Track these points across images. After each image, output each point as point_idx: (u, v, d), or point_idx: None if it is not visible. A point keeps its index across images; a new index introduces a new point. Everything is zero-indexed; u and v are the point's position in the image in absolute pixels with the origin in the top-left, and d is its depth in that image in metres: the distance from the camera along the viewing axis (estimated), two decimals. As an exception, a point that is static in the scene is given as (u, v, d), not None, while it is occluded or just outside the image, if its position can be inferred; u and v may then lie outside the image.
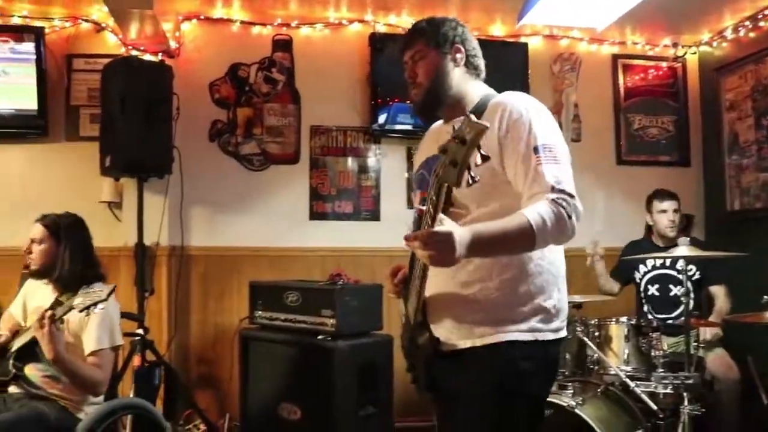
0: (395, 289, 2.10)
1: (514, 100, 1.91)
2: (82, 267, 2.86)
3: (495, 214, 1.79)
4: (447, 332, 1.93)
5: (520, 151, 1.83)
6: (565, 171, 1.84)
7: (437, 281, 1.93)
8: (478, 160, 1.54)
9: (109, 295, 2.54)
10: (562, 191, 1.79)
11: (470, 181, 1.53)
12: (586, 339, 3.40)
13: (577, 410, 2.98)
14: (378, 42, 4.50)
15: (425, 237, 1.61)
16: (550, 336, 1.91)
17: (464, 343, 1.91)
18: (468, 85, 2.02)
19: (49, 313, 2.55)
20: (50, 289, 2.88)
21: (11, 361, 2.73)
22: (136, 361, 3.87)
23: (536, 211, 1.74)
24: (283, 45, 4.59)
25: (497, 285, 1.89)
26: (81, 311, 2.53)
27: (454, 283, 1.92)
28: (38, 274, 2.87)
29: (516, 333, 1.88)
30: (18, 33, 4.29)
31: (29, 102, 4.30)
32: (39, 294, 2.92)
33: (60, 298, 2.79)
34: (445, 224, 1.63)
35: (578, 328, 3.42)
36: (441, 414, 2.08)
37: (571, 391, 3.15)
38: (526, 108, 1.88)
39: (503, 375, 1.86)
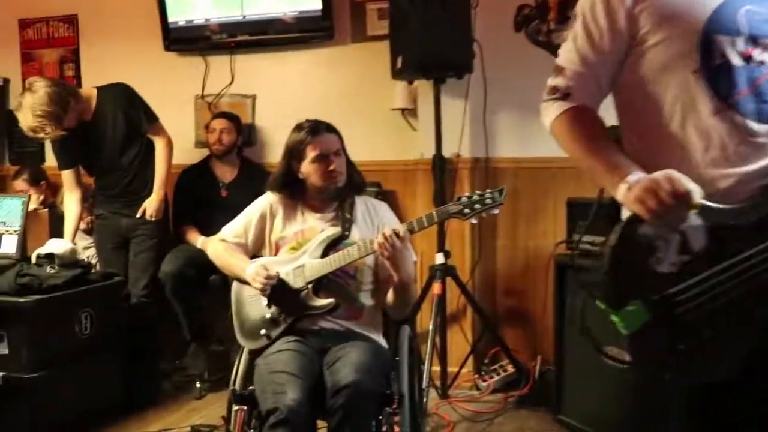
0: None
1: None
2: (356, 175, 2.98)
3: None
4: None
5: None
6: None
7: None
8: None
9: (503, 196, 2.62)
10: None
11: None
12: None
13: None
14: None
15: None
16: None
17: None
18: None
19: (403, 229, 2.64)
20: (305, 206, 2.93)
21: (309, 294, 2.79)
22: (437, 288, 3.99)
23: None
24: None
25: None
26: (467, 218, 2.63)
27: None
28: (338, 188, 2.93)
29: None
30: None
31: (313, 3, 4.52)
32: (297, 213, 2.94)
33: (346, 214, 2.89)
34: None
35: None
36: None
37: None
38: None
39: None
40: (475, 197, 2.65)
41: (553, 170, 4.32)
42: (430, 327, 3.91)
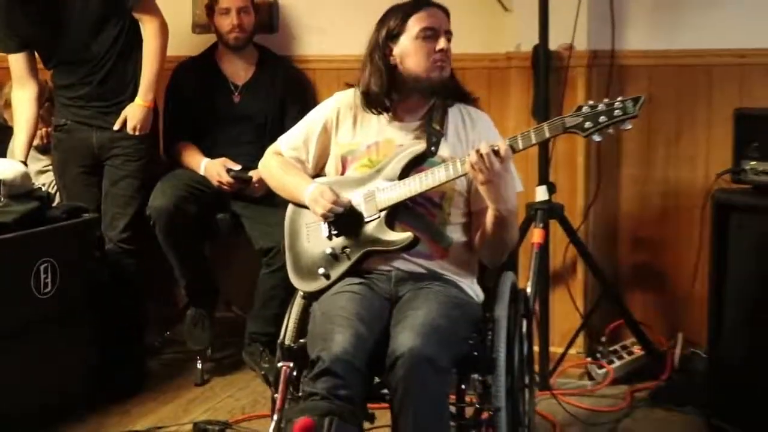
0: None
1: None
2: None
3: None
4: None
5: None
6: None
7: None
8: None
9: (638, 107, 2.62)
10: None
11: None
12: None
13: None
14: None
15: None
16: None
17: None
18: None
19: (504, 145, 2.63)
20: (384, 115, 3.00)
21: (382, 224, 2.82)
22: (537, 236, 3.89)
23: None
24: None
25: None
26: (589, 134, 2.62)
27: None
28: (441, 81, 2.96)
29: None
30: None
31: None
32: (372, 122, 2.99)
33: (434, 126, 2.90)
34: None
35: None
36: None
37: None
38: None
39: None
40: (601, 107, 2.65)
41: (708, 68, 4.16)
42: (527, 289, 3.71)
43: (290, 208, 3.03)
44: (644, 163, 4.28)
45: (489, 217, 2.77)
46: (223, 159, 4.05)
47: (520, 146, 2.67)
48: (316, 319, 2.70)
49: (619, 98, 2.65)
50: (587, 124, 2.63)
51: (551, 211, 3.92)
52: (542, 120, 3.77)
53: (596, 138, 2.66)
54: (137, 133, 4.00)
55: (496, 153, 2.61)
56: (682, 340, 4.09)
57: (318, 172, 3.05)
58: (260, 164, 3.17)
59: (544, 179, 3.98)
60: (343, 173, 2.96)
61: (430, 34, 2.83)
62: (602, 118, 2.63)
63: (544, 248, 3.92)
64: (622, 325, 4.15)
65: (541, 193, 3.93)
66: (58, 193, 4.25)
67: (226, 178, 3.99)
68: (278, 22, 4.68)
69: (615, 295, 4.14)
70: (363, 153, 2.95)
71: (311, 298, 2.88)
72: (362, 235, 2.87)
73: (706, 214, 3.63)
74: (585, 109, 2.66)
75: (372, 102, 2.91)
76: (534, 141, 2.68)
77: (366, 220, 2.85)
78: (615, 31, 4.19)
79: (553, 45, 4.06)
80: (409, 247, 2.79)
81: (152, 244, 4.06)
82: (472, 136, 2.93)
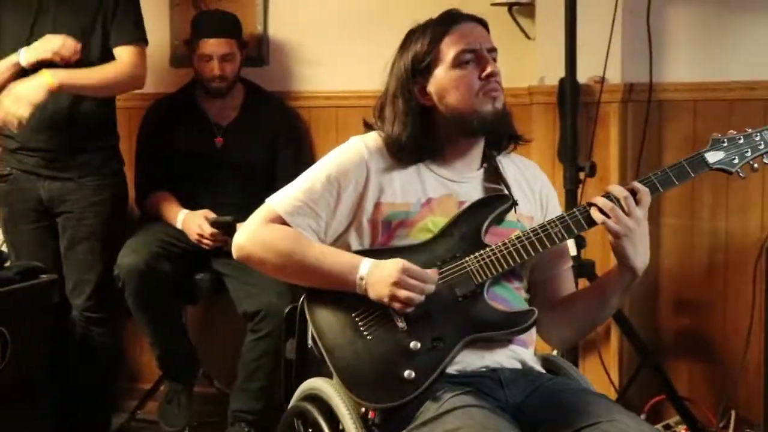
0: None
1: None
2: None
3: None
4: None
5: None
6: None
7: None
8: None
9: None
10: None
11: None
12: None
13: None
14: None
15: None
16: None
17: None
18: None
19: (643, 188, 2.53)
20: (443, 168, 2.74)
21: (484, 301, 2.60)
22: None
23: None
24: None
25: None
26: (735, 170, 2.59)
27: None
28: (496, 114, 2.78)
29: None
30: None
31: None
32: (421, 173, 2.72)
33: (502, 174, 2.76)
34: None
35: None
36: None
37: None
38: None
39: None
40: (742, 140, 2.61)
41: (764, 103, 4.10)
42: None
43: (310, 297, 2.65)
44: (688, 211, 4.26)
45: (609, 283, 2.67)
46: (204, 211, 4.02)
47: (660, 188, 2.57)
48: None
49: (750, 129, 2.62)
50: (733, 159, 2.60)
51: (581, 269, 3.77)
52: (569, 163, 3.81)
53: (741, 174, 2.63)
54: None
55: (635, 195, 2.52)
56: (735, 418, 4.06)
57: (333, 244, 2.71)
58: (242, 239, 2.67)
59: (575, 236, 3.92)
60: (385, 242, 2.64)
61: (470, 58, 2.58)
62: (746, 151, 2.61)
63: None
64: (663, 400, 4.08)
65: (568, 248, 3.79)
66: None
67: (208, 230, 3.94)
68: (268, 55, 4.74)
69: (655, 365, 4.05)
70: (419, 215, 2.65)
71: (394, 420, 2.47)
72: (457, 320, 2.56)
73: (761, 270, 3.67)
74: (725, 142, 2.63)
75: (402, 155, 2.65)
76: (677, 182, 2.59)
77: (459, 297, 2.57)
78: (653, 60, 4.19)
79: (582, 78, 4.03)
80: (531, 326, 2.60)
81: (121, 308, 4.01)
82: (537, 186, 2.79)
